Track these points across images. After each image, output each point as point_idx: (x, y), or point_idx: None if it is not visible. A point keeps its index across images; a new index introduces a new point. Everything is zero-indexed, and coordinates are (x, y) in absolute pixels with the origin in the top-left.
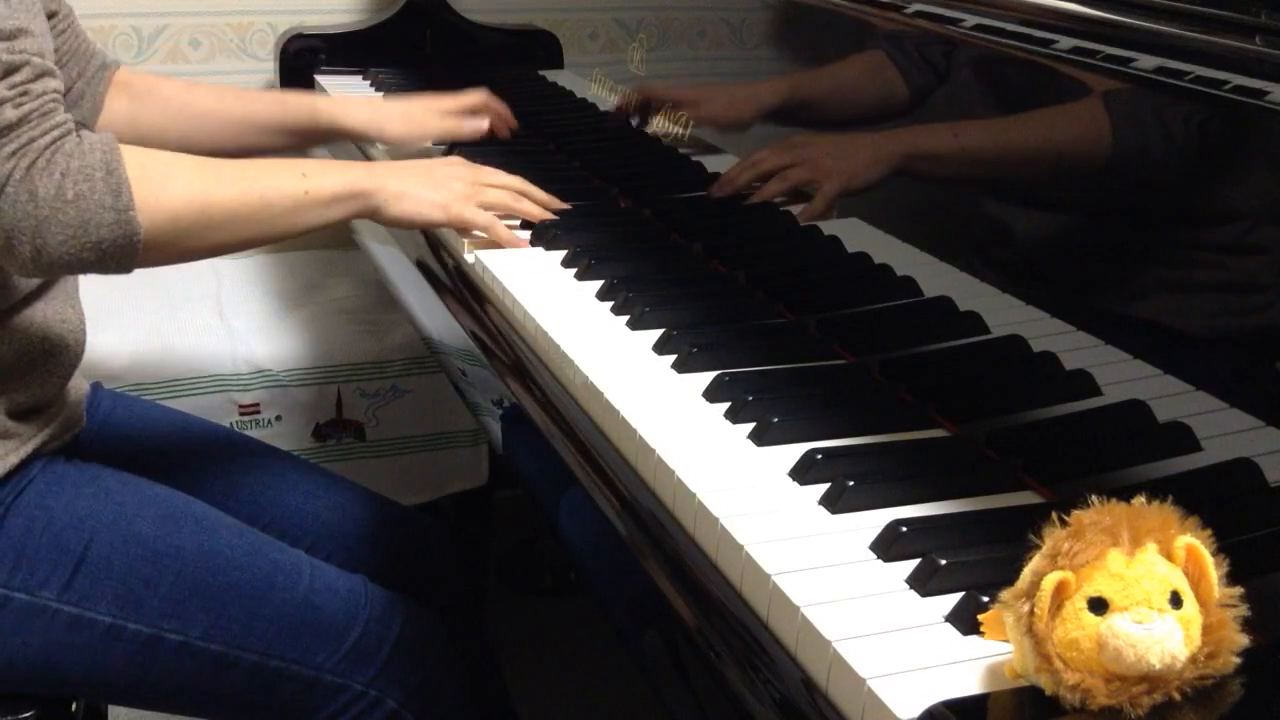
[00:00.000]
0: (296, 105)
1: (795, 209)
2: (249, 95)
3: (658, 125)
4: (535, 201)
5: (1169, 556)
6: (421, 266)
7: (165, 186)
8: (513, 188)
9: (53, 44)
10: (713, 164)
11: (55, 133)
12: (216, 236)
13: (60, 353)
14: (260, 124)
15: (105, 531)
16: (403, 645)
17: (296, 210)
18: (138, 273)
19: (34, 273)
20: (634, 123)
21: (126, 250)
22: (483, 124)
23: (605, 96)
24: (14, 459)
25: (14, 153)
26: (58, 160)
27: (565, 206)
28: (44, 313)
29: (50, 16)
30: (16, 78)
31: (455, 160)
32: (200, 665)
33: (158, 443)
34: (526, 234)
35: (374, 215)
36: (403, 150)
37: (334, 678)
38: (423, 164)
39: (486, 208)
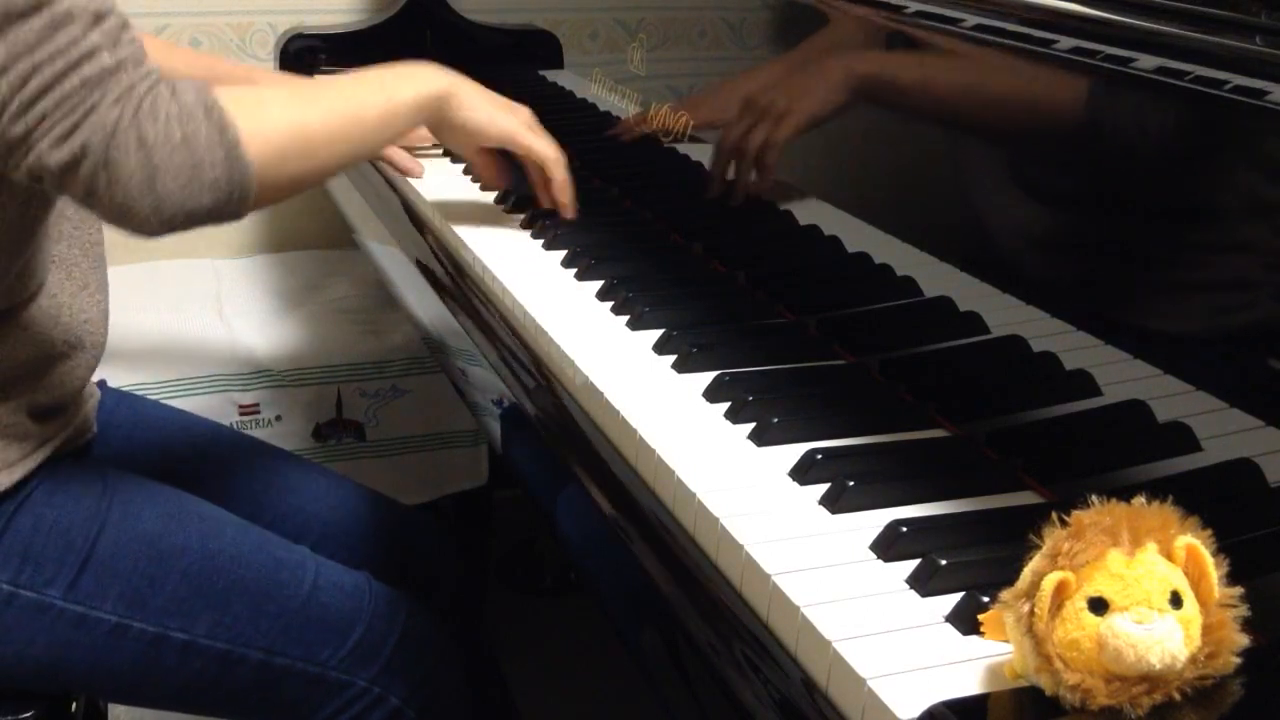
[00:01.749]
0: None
1: (796, 210)
2: (222, 68)
3: (658, 125)
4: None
5: (1169, 556)
6: (421, 266)
7: (265, 117)
8: (560, 154)
9: None
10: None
11: (151, 78)
12: (318, 161)
13: (79, 353)
14: None
15: (111, 530)
16: (406, 642)
17: (383, 122)
18: (138, 272)
19: (156, 229)
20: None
21: (242, 187)
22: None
23: (605, 96)
24: (32, 462)
25: (118, 99)
26: (159, 105)
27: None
28: (70, 309)
29: None
30: (107, 24)
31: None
32: (205, 663)
33: (161, 442)
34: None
35: (443, 116)
36: None
37: (338, 674)
38: (492, 93)
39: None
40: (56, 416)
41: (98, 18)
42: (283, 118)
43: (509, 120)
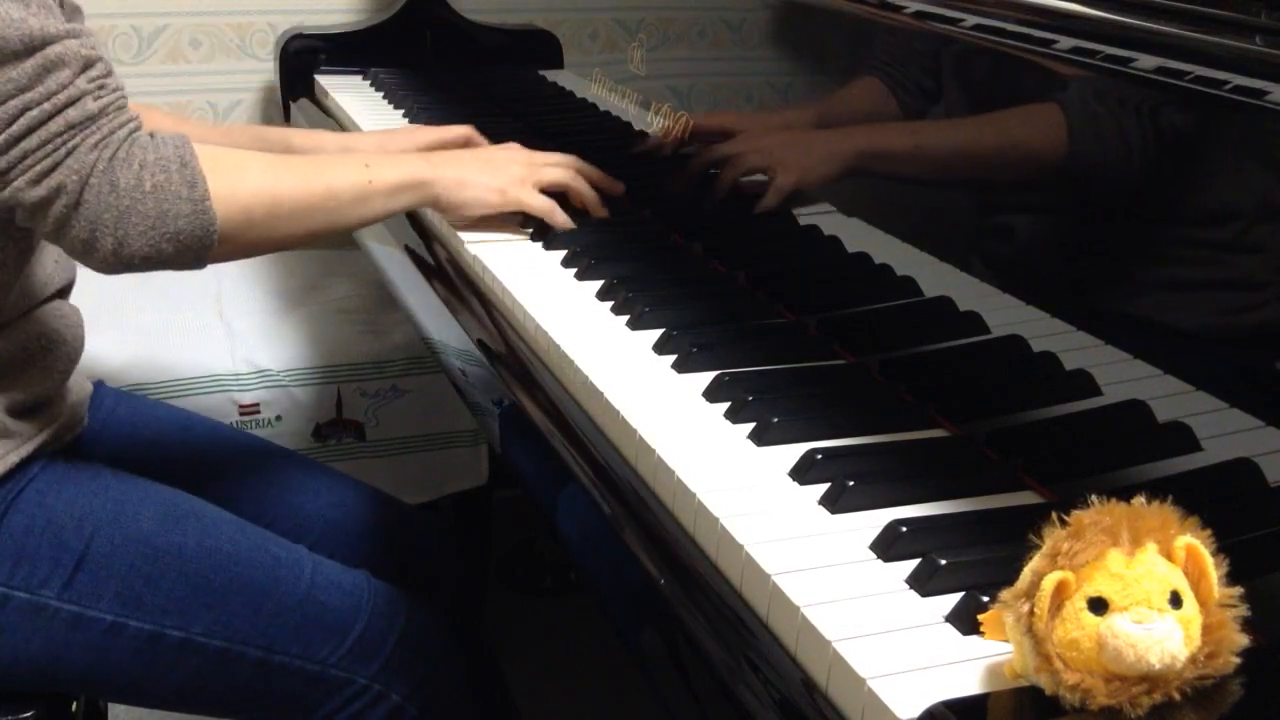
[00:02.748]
0: (275, 142)
1: (796, 210)
2: (234, 131)
3: (658, 125)
4: (591, 179)
5: (1169, 556)
6: (422, 267)
7: (238, 179)
8: (570, 165)
9: None
10: (713, 164)
11: (131, 125)
12: (285, 228)
13: (58, 348)
14: None
15: (106, 529)
16: (407, 640)
17: (361, 200)
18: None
19: (114, 267)
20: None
21: (203, 241)
22: None
23: (605, 96)
24: (14, 458)
25: (97, 144)
26: (135, 152)
27: (620, 188)
28: (43, 308)
29: None
30: (94, 71)
31: (511, 146)
32: (203, 661)
33: (161, 441)
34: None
35: (434, 204)
36: None
37: (338, 672)
38: (480, 151)
39: (545, 187)
40: (38, 413)
41: (87, 64)
42: (256, 182)
43: (501, 184)
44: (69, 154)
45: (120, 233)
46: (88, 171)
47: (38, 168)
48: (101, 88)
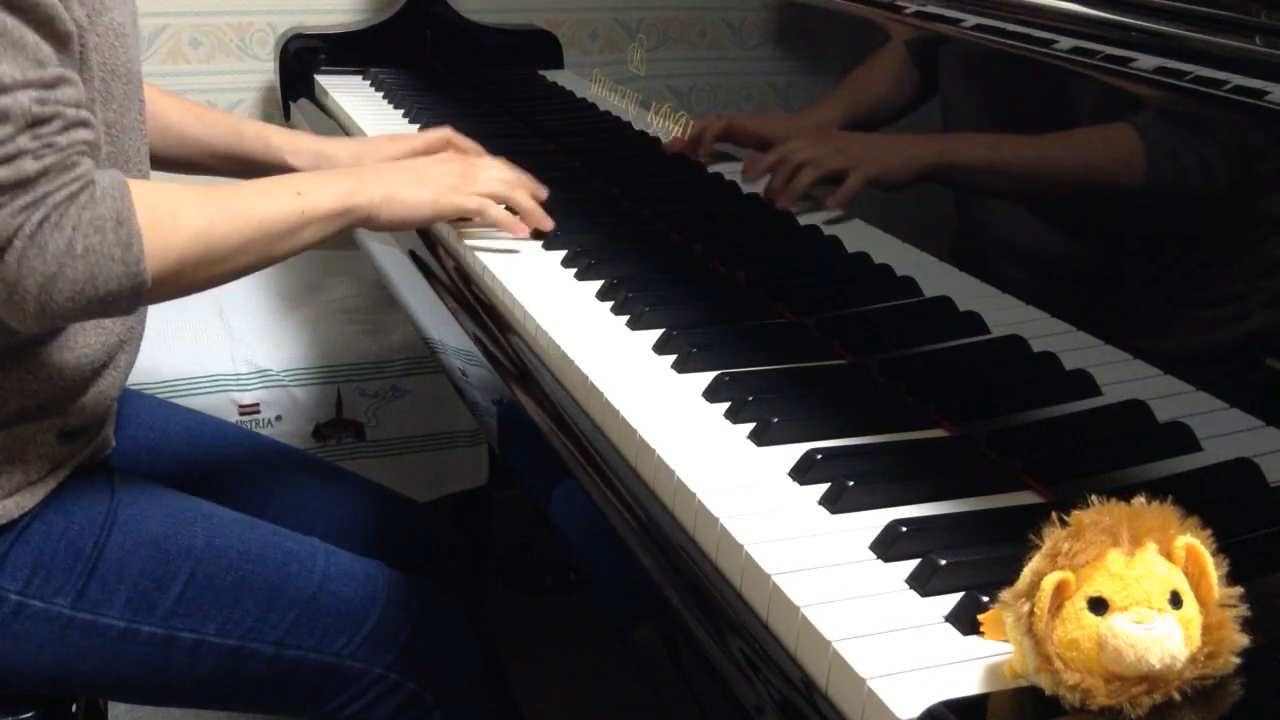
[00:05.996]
0: (251, 137)
1: (796, 211)
2: (211, 118)
3: (658, 125)
4: (533, 194)
5: (1169, 556)
6: (421, 267)
7: (172, 228)
8: (507, 179)
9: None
10: (713, 164)
11: (73, 186)
12: (218, 270)
13: (113, 375)
14: (215, 150)
15: (117, 535)
16: (424, 629)
17: (294, 231)
18: None
19: (33, 326)
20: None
21: (132, 298)
22: None
23: (605, 96)
24: (52, 482)
25: (25, 207)
26: (70, 214)
27: (549, 225)
28: (113, 330)
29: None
30: (43, 129)
31: (445, 155)
32: (217, 660)
33: (164, 442)
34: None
35: (368, 224)
36: None
37: (353, 663)
38: (412, 163)
39: (481, 195)
40: (80, 437)
41: (36, 122)
42: (190, 229)
43: (432, 195)
44: None
45: (44, 297)
46: (10, 234)
47: None
48: (48, 146)
